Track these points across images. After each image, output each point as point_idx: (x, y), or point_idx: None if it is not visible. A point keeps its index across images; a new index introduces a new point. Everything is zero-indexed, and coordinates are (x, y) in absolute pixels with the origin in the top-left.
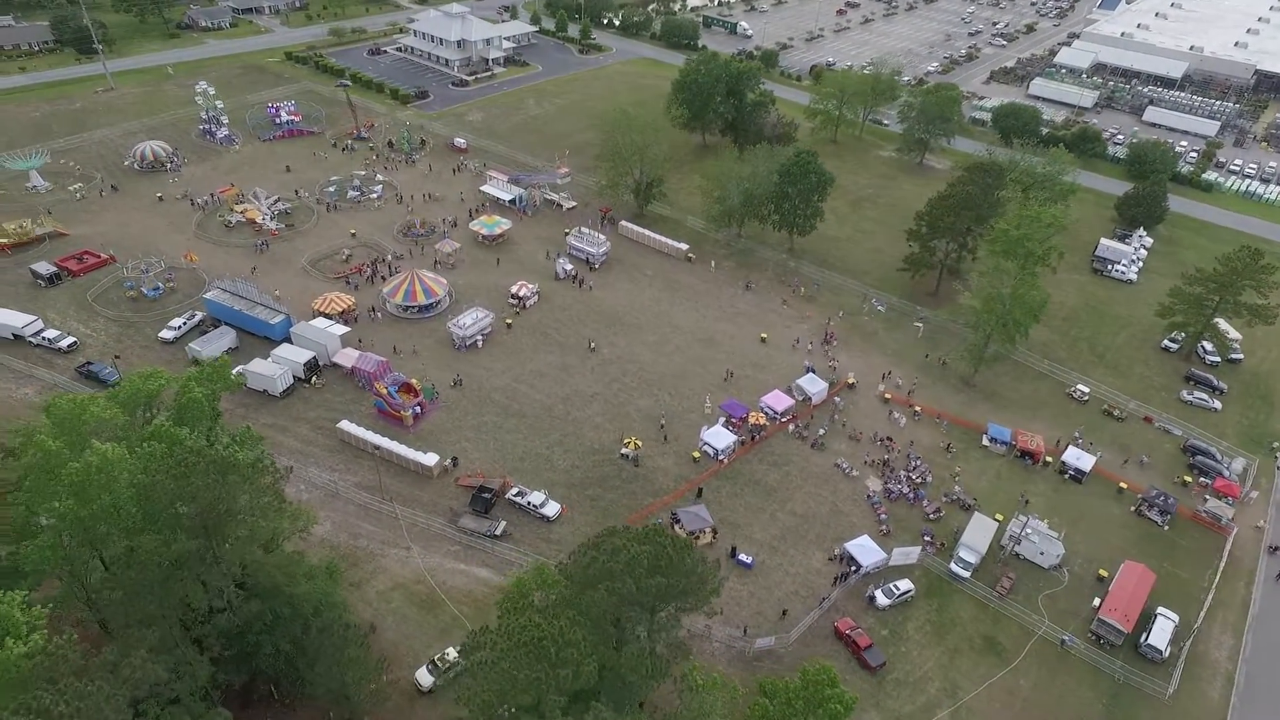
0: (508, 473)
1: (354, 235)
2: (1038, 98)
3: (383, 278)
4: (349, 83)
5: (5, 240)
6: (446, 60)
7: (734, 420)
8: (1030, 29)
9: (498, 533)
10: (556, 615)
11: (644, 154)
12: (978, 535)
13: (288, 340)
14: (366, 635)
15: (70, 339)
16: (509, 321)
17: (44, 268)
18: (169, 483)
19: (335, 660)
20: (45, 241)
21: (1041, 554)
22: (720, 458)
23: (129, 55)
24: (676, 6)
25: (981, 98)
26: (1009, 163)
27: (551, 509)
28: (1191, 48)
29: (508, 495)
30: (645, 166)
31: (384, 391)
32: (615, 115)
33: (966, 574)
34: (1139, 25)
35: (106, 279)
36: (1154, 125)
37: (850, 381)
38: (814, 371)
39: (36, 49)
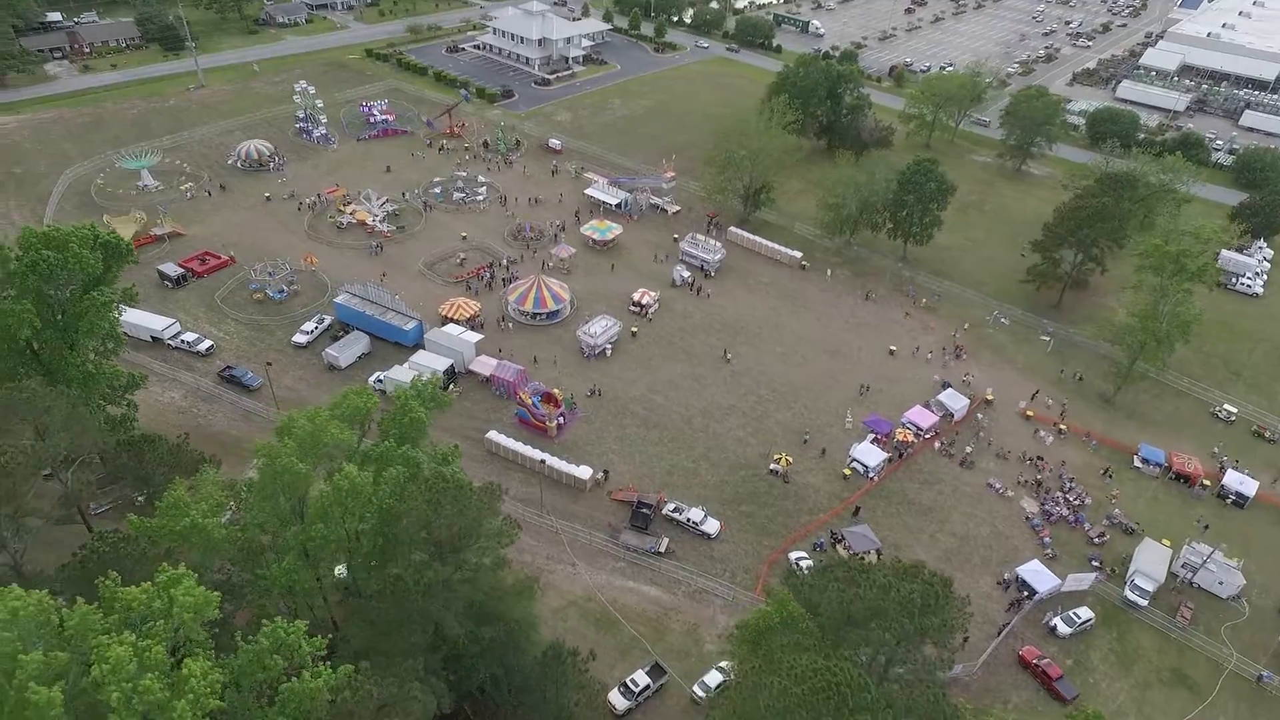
0: (657, 487)
1: (465, 238)
2: (1126, 101)
3: (504, 281)
4: (470, 95)
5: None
6: (527, 59)
7: (880, 436)
8: (1106, 28)
9: (661, 550)
10: (826, 655)
11: (755, 159)
12: (1152, 562)
13: (419, 346)
14: (588, 661)
15: (208, 342)
16: (634, 330)
17: (171, 269)
18: (425, 509)
19: (563, 685)
20: (165, 241)
21: (1220, 584)
22: (871, 475)
23: (212, 52)
24: (743, 4)
25: (1068, 100)
26: (1134, 171)
27: (711, 526)
28: None
29: (664, 511)
30: (756, 172)
31: (529, 401)
32: (728, 119)
33: (1144, 602)
34: (1224, 25)
35: (230, 280)
36: (1252, 130)
37: (988, 397)
38: (950, 386)
39: (124, 46)
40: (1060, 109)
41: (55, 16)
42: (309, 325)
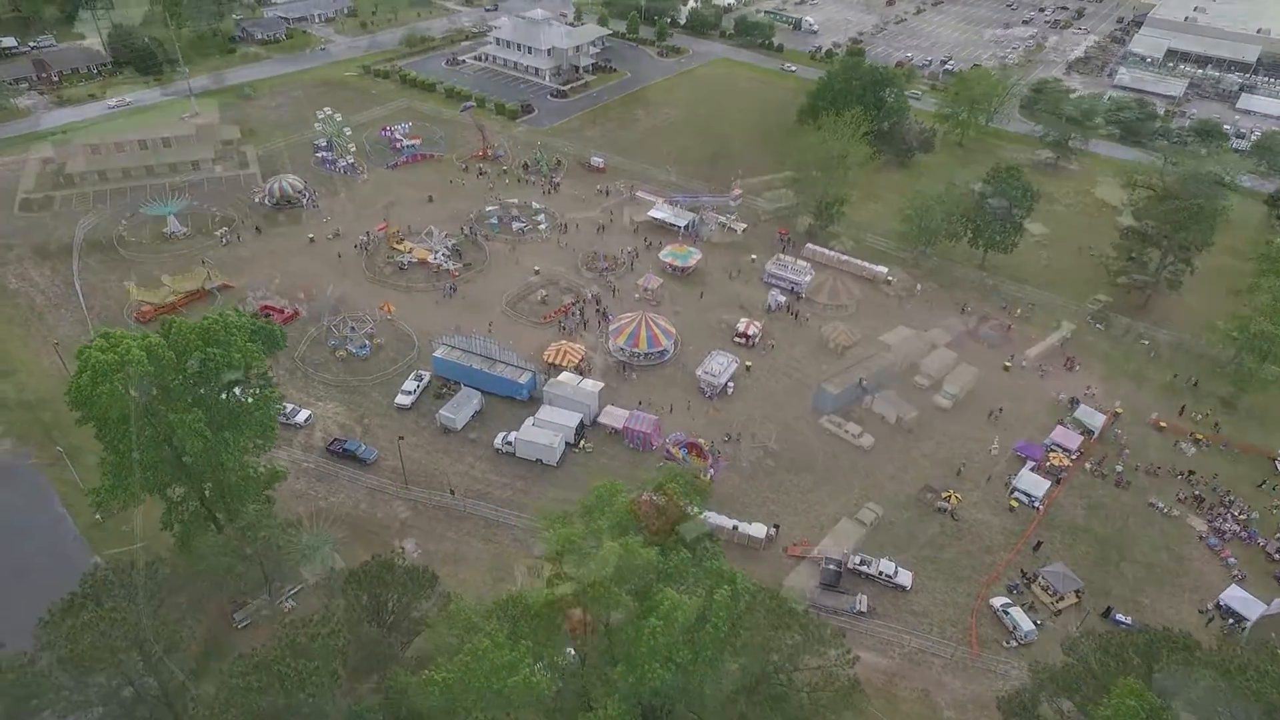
0: (829, 538)
1: (538, 273)
2: (1125, 88)
3: (597, 318)
4: (473, 106)
5: (176, 296)
6: (536, 69)
7: (1037, 463)
8: (1080, 14)
9: (863, 609)
10: None
11: (830, 173)
12: None
13: (535, 400)
14: None
15: (305, 412)
16: (748, 364)
17: None
18: (770, 634)
19: None
20: (215, 296)
21: None
22: (1037, 505)
23: (192, 75)
24: (726, 1)
25: (1107, 94)
26: (1204, 169)
27: (905, 578)
28: (1259, 30)
29: (850, 565)
30: (830, 185)
31: (677, 455)
32: (810, 135)
33: None
34: (1196, 8)
35: (303, 337)
36: (1249, 113)
37: (1118, 410)
38: (1080, 402)
39: (96, 72)
40: (1100, 105)
41: (10, 41)
42: (409, 384)
